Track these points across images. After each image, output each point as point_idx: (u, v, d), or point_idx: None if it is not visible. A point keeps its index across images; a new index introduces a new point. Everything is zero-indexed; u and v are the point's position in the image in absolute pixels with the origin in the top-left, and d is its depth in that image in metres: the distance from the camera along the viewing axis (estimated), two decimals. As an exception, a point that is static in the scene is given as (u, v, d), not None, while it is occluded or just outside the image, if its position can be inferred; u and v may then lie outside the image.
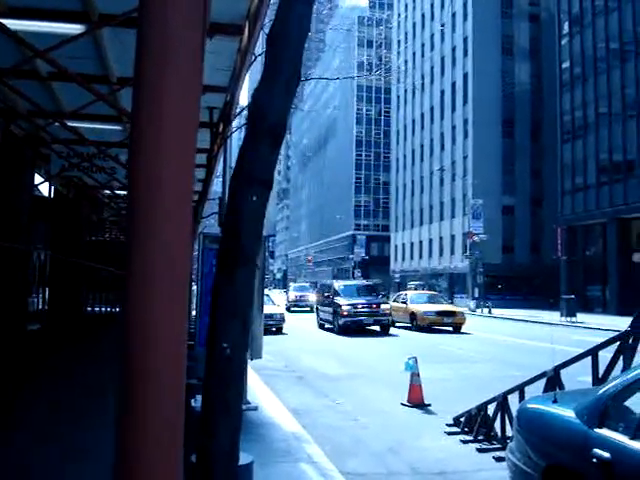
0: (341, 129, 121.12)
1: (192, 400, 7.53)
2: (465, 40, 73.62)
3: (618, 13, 49.62)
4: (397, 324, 32.66)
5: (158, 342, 1.94)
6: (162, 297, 1.95)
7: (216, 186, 21.71)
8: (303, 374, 16.41)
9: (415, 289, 53.99)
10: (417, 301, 33.25)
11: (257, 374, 14.48)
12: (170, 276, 1.97)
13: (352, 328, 28.71)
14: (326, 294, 32.81)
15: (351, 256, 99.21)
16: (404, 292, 38.65)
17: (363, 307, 29.38)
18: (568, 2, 57.03)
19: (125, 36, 7.49)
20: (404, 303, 33.41)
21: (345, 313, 29.03)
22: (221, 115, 11.95)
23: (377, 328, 29.71)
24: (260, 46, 10.12)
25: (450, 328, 30.56)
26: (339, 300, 30.03)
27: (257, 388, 12.88)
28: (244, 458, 4.09)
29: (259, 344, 10.21)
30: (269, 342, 19.97)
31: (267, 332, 22.75)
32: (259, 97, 3.09)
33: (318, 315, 34.28)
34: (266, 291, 24.36)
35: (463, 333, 30.03)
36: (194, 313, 13.33)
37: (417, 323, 31.18)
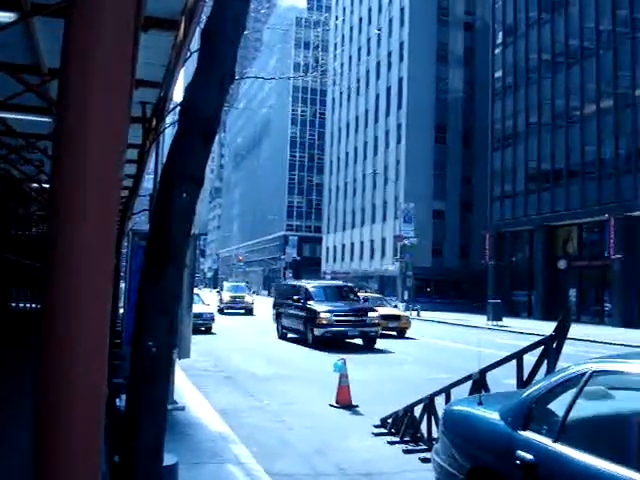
0: (276, 129, 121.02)
1: (117, 399, 7.40)
2: (401, 45, 74.38)
3: (550, 25, 50.88)
4: None
5: (77, 341, 1.88)
6: (82, 294, 1.90)
7: (147, 183, 21.41)
8: (232, 374, 16.31)
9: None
10: None
11: (185, 374, 14.32)
12: (91, 273, 1.91)
13: (331, 340, 23.38)
14: (294, 297, 26.10)
15: (283, 256, 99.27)
16: None
17: (347, 315, 23.86)
18: (502, 13, 58.20)
19: (57, 26, 7.30)
20: None
21: (324, 322, 23.39)
22: (154, 111, 11.77)
23: (360, 341, 24.33)
24: (196, 42, 10.01)
25: (394, 333, 29.28)
26: (314, 305, 24.35)
27: (185, 388, 12.73)
28: (169, 459, 4.03)
29: (187, 343, 10.08)
30: (198, 342, 19.82)
31: (196, 332, 22.57)
32: (192, 92, 3.04)
33: (279, 322, 28.55)
34: (196, 290, 24.10)
35: (408, 338, 29.36)
36: (122, 311, 13.10)
37: None
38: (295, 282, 31.84)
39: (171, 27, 8.35)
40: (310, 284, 27.66)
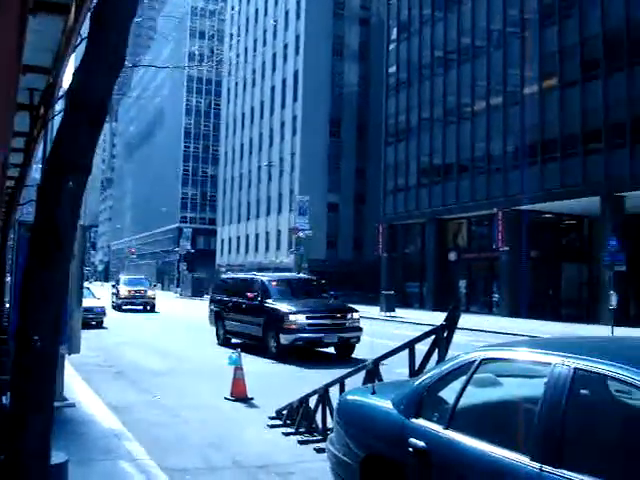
0: (169, 119, 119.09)
1: (3, 397, 7.11)
2: (297, 38, 74.54)
3: (444, 23, 52.08)
4: None
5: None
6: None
7: (36, 173, 20.70)
8: (125, 369, 15.97)
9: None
10: None
11: (76, 370, 13.92)
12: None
13: (301, 348, 18.53)
14: (248, 294, 20.41)
15: (177, 249, 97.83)
16: None
17: (323, 317, 18.75)
18: (397, 9, 59.11)
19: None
20: None
21: (293, 326, 18.23)
22: (43, 98, 11.36)
23: (332, 350, 19.39)
24: (87, 27, 9.71)
25: None
26: (277, 305, 19.14)
27: (76, 384, 12.37)
28: (58, 457, 3.90)
29: (77, 338, 9.80)
30: (90, 337, 19.30)
31: (87, 326, 22.00)
32: (80, 77, 2.95)
33: (220, 325, 22.72)
34: (86, 284, 23.42)
35: None
36: (7, 306, 12.61)
37: None
38: (247, 275, 24.59)
39: (61, 11, 8.07)
40: (267, 277, 22.01)
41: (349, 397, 6.16)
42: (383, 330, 27.63)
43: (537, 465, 3.74)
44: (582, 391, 3.95)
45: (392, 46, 60.12)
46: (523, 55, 43.92)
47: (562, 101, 40.63)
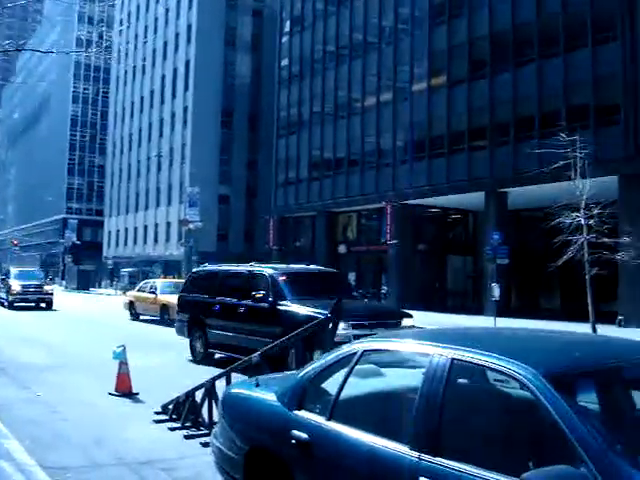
0: (56, 107, 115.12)
1: None
2: (189, 27, 73.66)
3: (336, 18, 52.46)
4: (142, 317, 30.27)
5: None
6: None
7: None
8: (4, 365, 15.36)
9: (131, 276, 52.44)
10: (167, 291, 28.77)
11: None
12: None
13: None
14: (253, 293, 14.96)
15: (62, 241, 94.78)
16: (152, 280, 35.55)
17: (372, 325, 13.34)
18: (291, 2, 59.19)
19: None
20: (153, 293, 29.66)
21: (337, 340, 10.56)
22: None
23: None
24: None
25: None
26: (299, 308, 14.01)
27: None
28: None
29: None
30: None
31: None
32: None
33: (198, 336, 16.86)
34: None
35: None
36: None
37: (170, 317, 25.48)
38: (242, 267, 17.32)
39: None
40: (276, 270, 15.93)
41: (233, 390, 6.13)
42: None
43: (416, 454, 3.82)
44: (459, 381, 4.07)
45: (285, 39, 60.19)
46: (413, 52, 44.85)
47: (450, 99, 41.77)
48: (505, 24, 38.40)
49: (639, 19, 32.27)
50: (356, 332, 12.37)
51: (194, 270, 21.65)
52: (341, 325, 10.68)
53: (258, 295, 14.66)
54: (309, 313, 13.09)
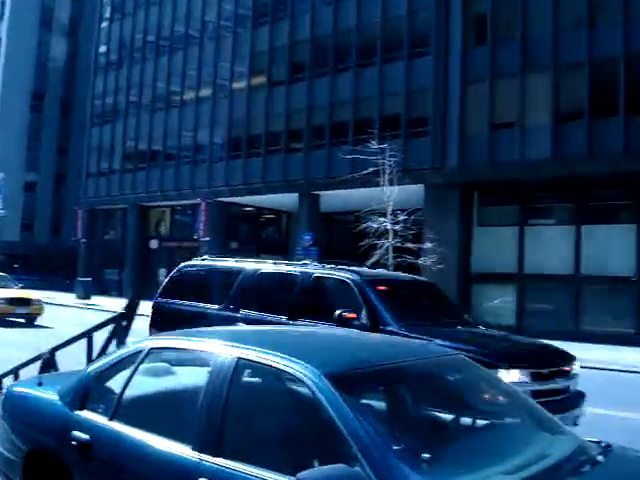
0: None
1: None
2: (2, 4, 69.42)
3: (158, 8, 51.21)
4: None
5: None
6: None
7: None
8: None
9: None
10: None
11: None
12: None
13: None
14: (342, 310, 9.10)
15: None
16: None
17: (551, 375, 8.45)
18: (111, -13, 57.22)
19: None
20: None
21: None
22: None
23: None
24: None
25: (24, 320, 24.40)
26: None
27: None
28: None
29: None
30: None
31: None
32: None
33: None
34: None
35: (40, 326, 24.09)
36: None
37: None
38: (305, 268, 10.74)
39: None
40: (363, 276, 10.09)
41: (15, 389, 5.77)
42: (75, 317, 26.62)
43: (196, 455, 3.75)
44: (244, 380, 4.03)
45: (104, 24, 57.94)
46: (235, 50, 44.79)
47: (269, 99, 42.10)
48: (326, 30, 39.26)
49: (453, 37, 34.02)
50: (537, 387, 8.06)
51: (184, 264, 14.09)
52: (517, 375, 7.96)
53: (349, 316, 9.05)
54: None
